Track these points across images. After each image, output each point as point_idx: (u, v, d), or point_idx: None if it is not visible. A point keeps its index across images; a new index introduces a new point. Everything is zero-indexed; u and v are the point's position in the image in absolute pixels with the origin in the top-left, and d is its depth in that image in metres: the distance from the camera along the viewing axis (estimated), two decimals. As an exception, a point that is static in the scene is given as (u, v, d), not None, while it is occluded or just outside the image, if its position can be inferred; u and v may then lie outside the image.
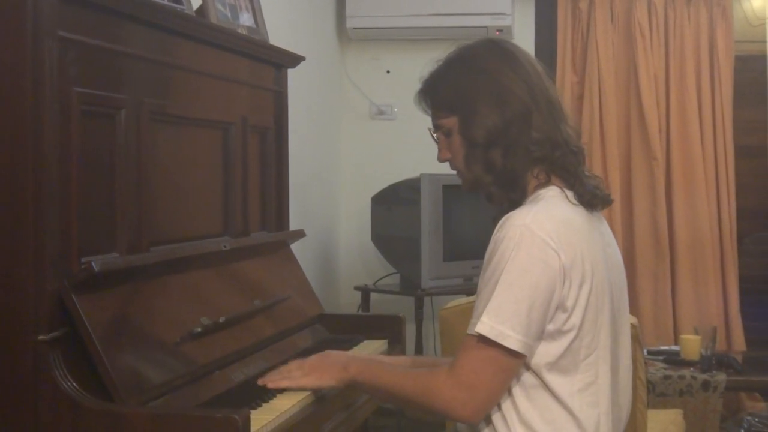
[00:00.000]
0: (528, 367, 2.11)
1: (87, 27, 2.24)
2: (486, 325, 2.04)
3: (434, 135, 2.33)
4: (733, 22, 5.51)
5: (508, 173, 2.21)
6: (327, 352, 2.49)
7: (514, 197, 2.22)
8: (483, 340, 2.05)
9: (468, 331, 2.08)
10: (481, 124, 2.20)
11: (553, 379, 2.11)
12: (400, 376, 2.23)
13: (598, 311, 2.14)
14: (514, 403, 2.12)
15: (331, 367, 2.36)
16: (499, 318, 2.03)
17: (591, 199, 2.23)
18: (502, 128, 2.19)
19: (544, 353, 2.10)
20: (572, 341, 2.10)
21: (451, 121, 2.26)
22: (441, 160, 2.34)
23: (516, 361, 2.07)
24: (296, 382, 2.39)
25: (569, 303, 2.08)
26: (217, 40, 2.84)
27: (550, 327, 2.08)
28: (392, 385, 2.23)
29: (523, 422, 2.12)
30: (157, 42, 2.55)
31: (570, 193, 2.21)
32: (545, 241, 2.06)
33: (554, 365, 2.11)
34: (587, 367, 2.13)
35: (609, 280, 2.20)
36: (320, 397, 2.45)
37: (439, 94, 2.30)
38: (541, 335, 2.08)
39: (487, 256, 2.12)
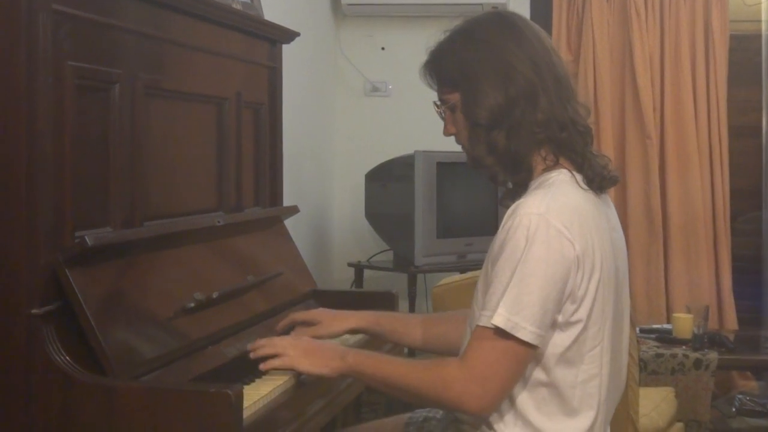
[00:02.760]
0: (537, 360, 2.08)
1: (81, 1, 2.23)
2: (502, 316, 1.99)
3: (440, 109, 2.27)
4: (728, 1, 5.50)
5: (511, 155, 2.15)
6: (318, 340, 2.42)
7: (519, 179, 2.18)
8: (498, 332, 2.00)
9: (481, 323, 2.03)
10: (483, 103, 2.14)
11: (558, 371, 2.08)
12: (405, 368, 2.15)
13: (605, 302, 2.10)
14: (510, 394, 2.09)
15: (326, 354, 2.27)
16: (514, 309, 1.99)
17: (600, 181, 2.18)
18: (505, 108, 2.13)
19: (552, 344, 2.07)
20: (580, 333, 2.07)
21: (455, 97, 2.21)
22: (447, 134, 2.27)
23: (530, 353, 2.03)
24: (289, 363, 2.28)
25: (580, 293, 2.05)
26: (211, 15, 2.83)
27: (559, 318, 2.05)
28: (397, 377, 2.14)
29: (519, 414, 2.10)
30: (151, 16, 2.54)
31: (579, 177, 2.15)
32: (560, 231, 2.01)
33: (561, 357, 2.08)
34: (592, 358, 2.10)
35: (615, 268, 2.16)
36: (301, 382, 2.38)
37: (443, 68, 2.23)
38: (553, 326, 2.05)
39: (497, 244, 2.07)
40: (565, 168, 2.16)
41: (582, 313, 2.06)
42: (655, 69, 5.50)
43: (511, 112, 2.13)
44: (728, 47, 5.49)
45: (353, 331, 2.63)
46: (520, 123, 2.13)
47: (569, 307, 2.05)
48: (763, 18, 5.68)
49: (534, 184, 2.16)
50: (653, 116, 5.48)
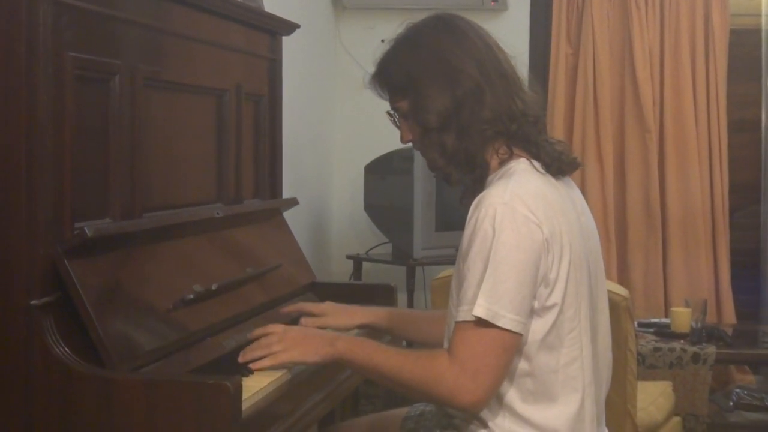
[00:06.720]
0: (519, 351, 2.09)
1: (81, -9, 2.23)
2: (482, 307, 2.01)
3: (394, 117, 2.30)
4: (728, -5, 5.50)
5: (461, 155, 2.18)
6: (308, 328, 2.43)
7: (474, 177, 2.20)
8: (481, 323, 2.01)
9: (461, 318, 2.04)
10: (432, 107, 2.18)
11: (540, 358, 2.10)
12: (395, 359, 2.14)
13: (578, 284, 2.13)
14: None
15: (315, 341, 2.27)
16: (493, 299, 2.00)
17: (558, 165, 2.21)
18: (453, 110, 2.16)
19: (532, 331, 2.08)
20: (557, 316, 2.09)
21: (405, 104, 2.25)
22: (404, 141, 2.31)
23: (516, 341, 2.05)
24: (277, 359, 2.28)
25: (552, 276, 2.07)
26: (212, 7, 2.83)
27: (535, 304, 2.07)
28: (387, 368, 2.14)
29: (506, 406, 2.12)
30: (151, 7, 2.54)
31: (537, 164, 2.18)
32: (527, 216, 2.04)
33: (542, 343, 2.09)
34: (572, 341, 2.12)
35: (585, 250, 2.18)
36: (294, 373, 2.38)
37: (391, 77, 2.28)
38: (530, 313, 2.07)
39: (466, 238, 2.08)
40: (523, 157, 2.19)
41: (557, 297, 2.09)
42: (655, 63, 5.49)
43: (459, 113, 2.17)
44: (728, 41, 5.48)
45: (363, 327, 2.64)
46: (469, 122, 2.16)
47: (543, 291, 2.07)
48: (763, 12, 5.67)
49: (495, 176, 2.18)
50: (653, 110, 5.47)
